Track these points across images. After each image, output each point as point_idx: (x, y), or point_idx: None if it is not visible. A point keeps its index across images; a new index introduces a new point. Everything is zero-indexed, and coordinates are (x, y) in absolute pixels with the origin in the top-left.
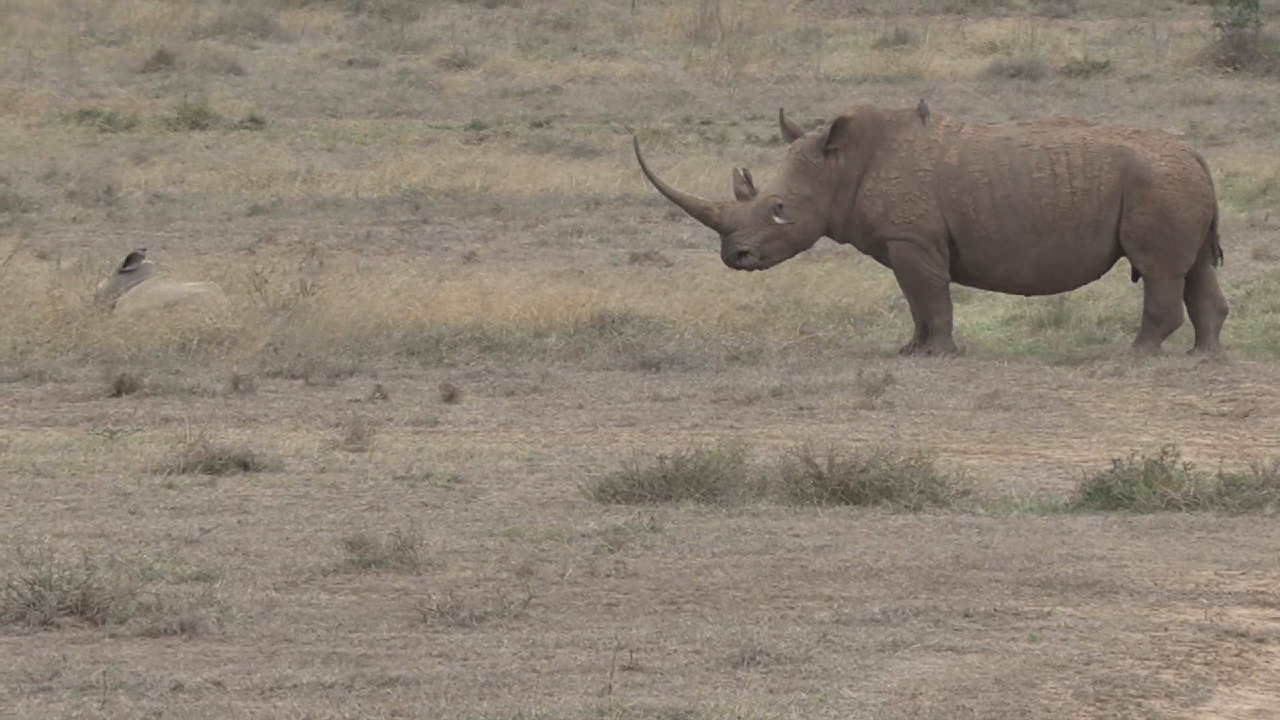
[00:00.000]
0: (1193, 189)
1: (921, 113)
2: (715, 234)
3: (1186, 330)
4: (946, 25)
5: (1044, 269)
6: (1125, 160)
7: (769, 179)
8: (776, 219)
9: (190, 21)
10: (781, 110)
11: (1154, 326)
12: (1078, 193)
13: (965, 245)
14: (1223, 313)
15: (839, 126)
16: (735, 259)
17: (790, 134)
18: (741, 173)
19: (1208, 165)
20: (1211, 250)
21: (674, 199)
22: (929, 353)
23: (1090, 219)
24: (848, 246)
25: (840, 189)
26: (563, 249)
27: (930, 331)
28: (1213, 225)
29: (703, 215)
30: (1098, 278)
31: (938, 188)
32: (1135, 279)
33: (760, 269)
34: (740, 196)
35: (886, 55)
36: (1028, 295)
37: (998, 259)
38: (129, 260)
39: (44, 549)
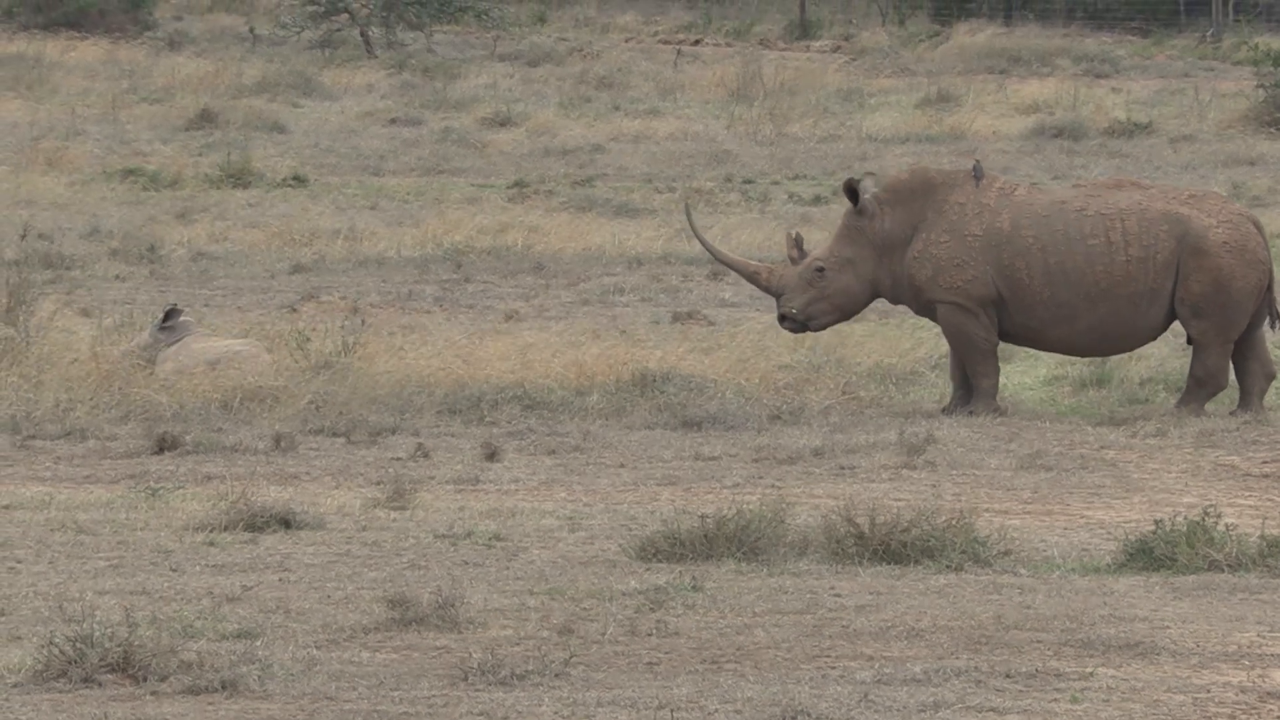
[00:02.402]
0: (1249, 256)
1: (976, 174)
2: (757, 291)
3: (1229, 391)
4: (989, 85)
5: (1099, 335)
6: (1183, 229)
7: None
8: (819, 282)
9: (233, 80)
10: (850, 179)
11: (1199, 389)
12: (1133, 261)
13: (1018, 310)
14: (1270, 377)
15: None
16: (781, 322)
17: (854, 200)
18: (794, 235)
19: (1264, 229)
20: (1270, 313)
21: (724, 262)
22: (971, 413)
23: (1146, 287)
24: (890, 306)
25: (885, 251)
26: (604, 308)
27: (975, 393)
28: (1269, 288)
29: (752, 278)
30: (1154, 340)
31: (988, 253)
32: (1190, 343)
33: (809, 330)
34: (792, 259)
35: (929, 115)
36: (1082, 357)
37: (1051, 324)
38: (167, 316)
39: (85, 606)
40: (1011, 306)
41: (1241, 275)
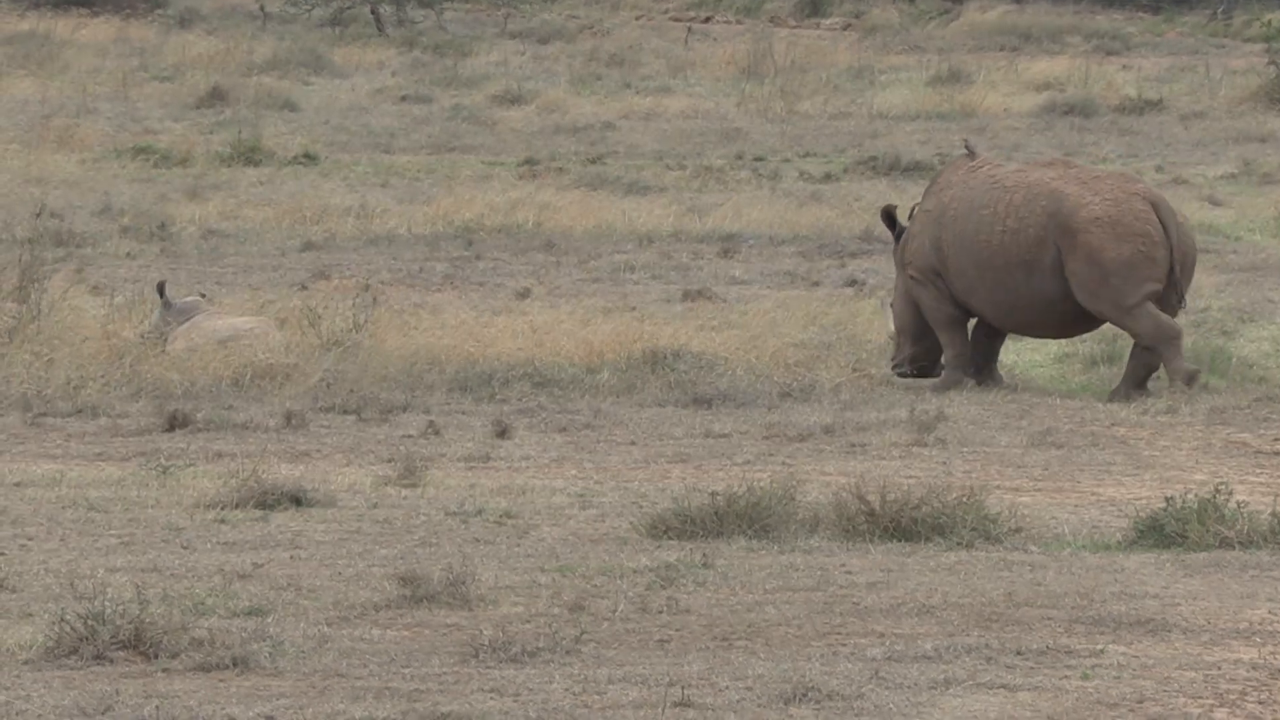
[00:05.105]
0: (1122, 230)
1: (969, 153)
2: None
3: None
4: (1000, 62)
5: (998, 306)
6: (1056, 205)
7: None
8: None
9: (244, 58)
10: (887, 206)
11: (1159, 346)
12: (1008, 232)
13: (949, 279)
14: (1154, 367)
15: (883, 217)
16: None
17: (889, 220)
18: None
19: (1166, 209)
20: (1175, 295)
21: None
22: (940, 387)
23: (1018, 259)
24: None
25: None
26: (615, 285)
27: (945, 364)
28: (1173, 269)
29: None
30: (1084, 324)
31: (931, 227)
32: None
33: (913, 375)
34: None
35: (940, 92)
36: (1019, 334)
37: (966, 293)
38: (160, 290)
39: (97, 583)
40: (945, 277)
41: (1113, 248)
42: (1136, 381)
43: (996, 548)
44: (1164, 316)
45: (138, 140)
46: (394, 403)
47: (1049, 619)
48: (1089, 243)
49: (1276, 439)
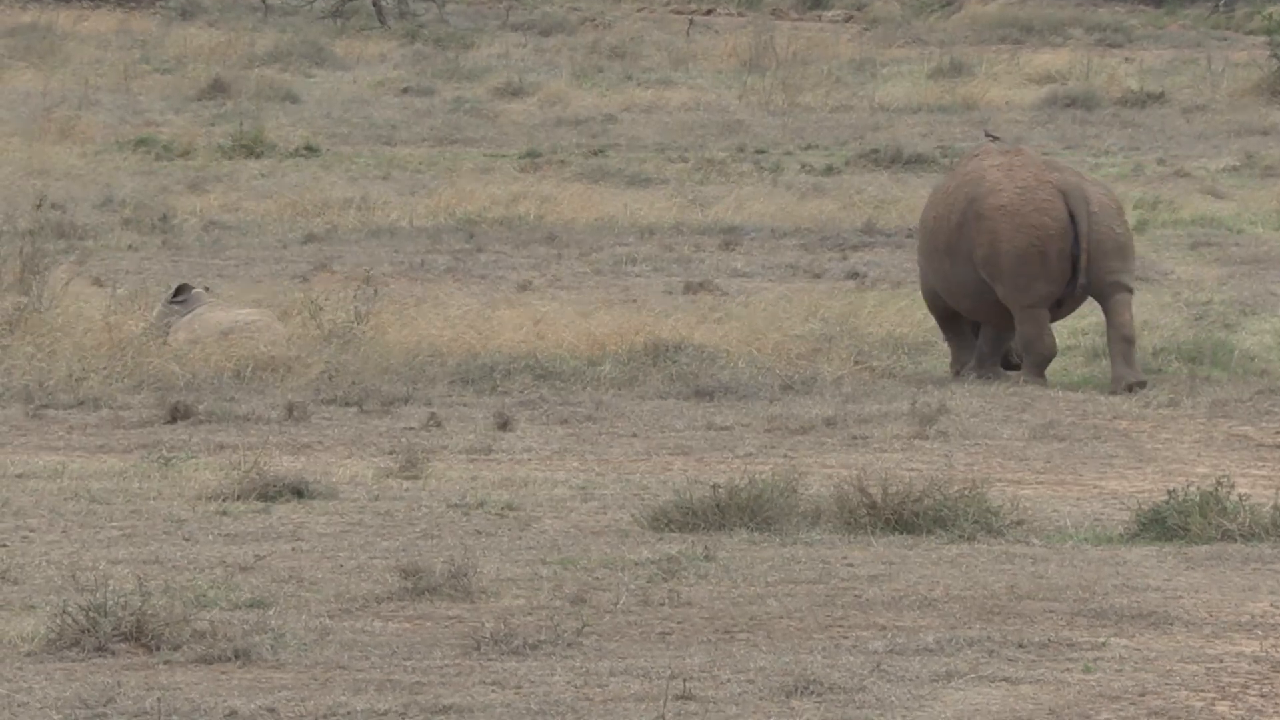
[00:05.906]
0: (1021, 220)
1: (991, 138)
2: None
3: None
4: (1002, 55)
5: (949, 295)
6: (974, 192)
7: None
8: None
9: (246, 50)
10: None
11: (1025, 356)
12: (940, 219)
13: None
14: (1127, 340)
15: None
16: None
17: None
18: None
19: (1078, 198)
20: (1079, 281)
21: None
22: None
23: (943, 245)
24: (904, 275)
25: None
26: (617, 278)
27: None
28: (1079, 257)
29: None
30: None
31: (923, 214)
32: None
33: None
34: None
35: (941, 85)
36: (979, 321)
37: (931, 278)
38: (178, 291)
39: (99, 575)
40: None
41: (1009, 238)
42: (1125, 360)
43: (998, 540)
44: (1049, 336)
45: (139, 132)
46: (395, 395)
47: (1051, 612)
48: (993, 229)
49: (1278, 432)
